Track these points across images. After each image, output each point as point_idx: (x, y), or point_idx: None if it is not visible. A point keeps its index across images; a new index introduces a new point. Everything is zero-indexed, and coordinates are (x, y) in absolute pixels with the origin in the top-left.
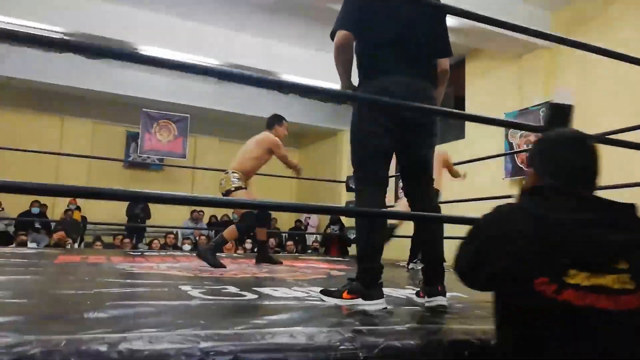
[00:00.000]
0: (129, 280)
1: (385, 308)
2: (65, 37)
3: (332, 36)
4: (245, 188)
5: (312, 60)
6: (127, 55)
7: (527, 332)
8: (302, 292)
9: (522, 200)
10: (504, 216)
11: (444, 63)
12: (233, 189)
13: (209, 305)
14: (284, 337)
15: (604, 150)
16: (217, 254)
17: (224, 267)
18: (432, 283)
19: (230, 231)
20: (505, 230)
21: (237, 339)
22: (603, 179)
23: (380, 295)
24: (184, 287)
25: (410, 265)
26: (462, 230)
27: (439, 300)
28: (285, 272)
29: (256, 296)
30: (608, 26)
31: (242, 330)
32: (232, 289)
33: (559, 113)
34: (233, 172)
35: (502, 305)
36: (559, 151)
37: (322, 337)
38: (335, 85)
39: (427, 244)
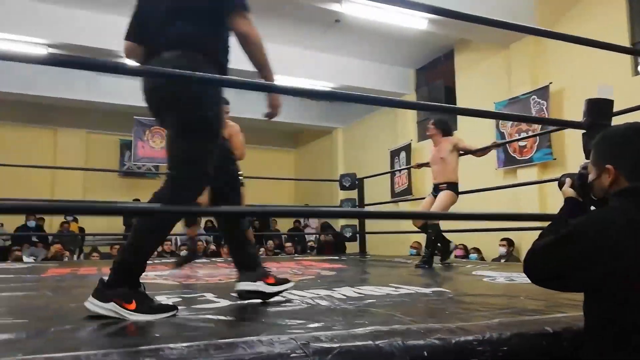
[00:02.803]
0: None
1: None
2: (50, 50)
3: None
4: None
5: (300, 59)
6: (117, 68)
7: (628, 330)
8: (280, 296)
9: (618, 203)
10: (603, 222)
11: (236, 24)
12: None
13: (172, 316)
14: (241, 347)
15: None
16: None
17: None
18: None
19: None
20: (606, 235)
21: (176, 356)
22: None
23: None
24: (158, 298)
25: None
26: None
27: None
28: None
29: (229, 303)
30: (594, 7)
31: (184, 347)
32: (210, 296)
33: (602, 108)
34: None
35: (599, 305)
36: None
37: (276, 346)
38: (325, 84)
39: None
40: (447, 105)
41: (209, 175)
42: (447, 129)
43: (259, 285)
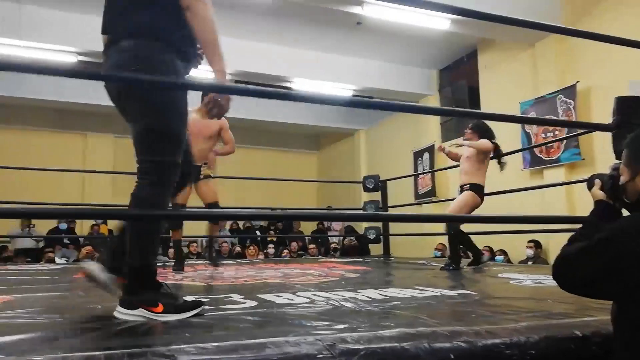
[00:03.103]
0: None
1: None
2: (79, 57)
3: None
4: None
5: (321, 62)
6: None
7: None
8: (305, 297)
9: None
10: (638, 228)
11: None
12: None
13: (201, 317)
14: (269, 347)
15: None
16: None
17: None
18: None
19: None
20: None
21: (207, 355)
22: None
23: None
24: (188, 299)
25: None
26: None
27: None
28: (299, 275)
29: (256, 303)
30: (622, 3)
31: (214, 346)
32: (236, 297)
33: (632, 106)
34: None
35: (629, 313)
36: None
37: (303, 347)
38: (347, 86)
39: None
40: (470, 110)
41: (178, 165)
42: (484, 133)
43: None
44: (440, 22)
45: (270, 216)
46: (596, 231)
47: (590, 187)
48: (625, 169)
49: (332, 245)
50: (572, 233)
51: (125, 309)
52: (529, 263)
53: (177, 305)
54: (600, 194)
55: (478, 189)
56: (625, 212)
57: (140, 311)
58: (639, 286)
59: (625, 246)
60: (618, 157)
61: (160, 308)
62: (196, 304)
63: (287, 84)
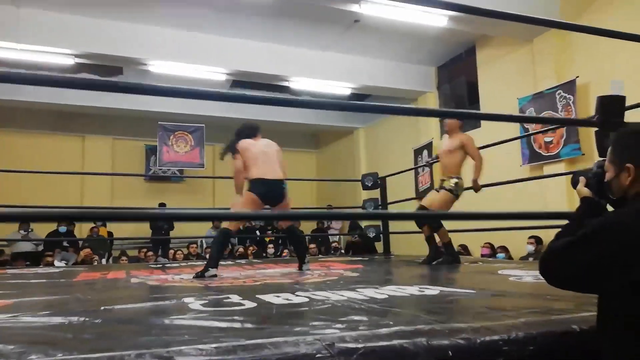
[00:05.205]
0: (137, 295)
1: None
2: (77, 60)
3: None
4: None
5: (319, 60)
6: (141, 88)
7: None
8: (304, 297)
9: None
10: (622, 224)
11: None
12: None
13: (200, 318)
14: (267, 348)
15: None
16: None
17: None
18: None
19: None
20: (624, 239)
21: (205, 356)
22: None
23: None
24: (187, 300)
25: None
26: None
27: None
28: (297, 275)
29: (255, 304)
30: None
31: (212, 347)
32: (235, 298)
33: (613, 105)
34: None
35: (614, 306)
36: None
37: (301, 347)
38: (346, 84)
39: None
40: (458, 110)
41: None
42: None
43: None
44: (438, 19)
45: (267, 216)
46: (582, 227)
47: (574, 184)
48: (611, 166)
49: (333, 244)
50: None
51: None
52: (530, 259)
53: None
54: (585, 191)
55: None
56: (609, 208)
57: None
58: (627, 280)
59: (606, 243)
60: (601, 154)
61: None
62: None
63: (286, 83)
